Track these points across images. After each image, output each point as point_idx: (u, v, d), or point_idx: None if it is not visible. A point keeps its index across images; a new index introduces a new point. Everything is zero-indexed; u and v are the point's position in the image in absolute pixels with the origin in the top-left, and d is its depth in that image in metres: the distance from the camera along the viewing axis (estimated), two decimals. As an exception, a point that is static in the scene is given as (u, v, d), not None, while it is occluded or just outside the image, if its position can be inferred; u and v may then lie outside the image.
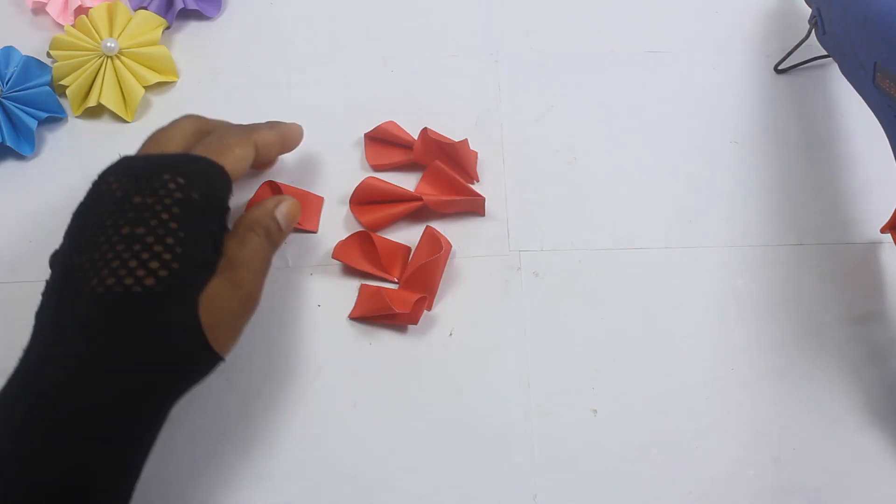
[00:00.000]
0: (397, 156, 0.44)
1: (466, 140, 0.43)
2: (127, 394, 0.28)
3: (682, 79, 0.48)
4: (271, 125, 0.38)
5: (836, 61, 0.43)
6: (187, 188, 0.30)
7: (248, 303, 0.32)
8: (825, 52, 0.46)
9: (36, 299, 0.43)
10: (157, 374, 0.29)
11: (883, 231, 0.42)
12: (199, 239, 0.30)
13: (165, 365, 0.29)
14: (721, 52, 0.49)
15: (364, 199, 0.43)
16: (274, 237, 0.35)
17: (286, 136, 0.39)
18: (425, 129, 0.43)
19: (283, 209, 0.36)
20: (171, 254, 0.29)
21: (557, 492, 0.39)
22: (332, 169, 0.45)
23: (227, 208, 0.34)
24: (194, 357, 0.30)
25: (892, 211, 0.41)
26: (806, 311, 0.42)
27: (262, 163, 0.40)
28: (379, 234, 0.43)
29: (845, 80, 0.43)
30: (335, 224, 0.44)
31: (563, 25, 0.49)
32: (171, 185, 0.30)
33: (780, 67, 0.48)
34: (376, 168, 0.45)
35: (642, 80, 0.48)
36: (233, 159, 0.34)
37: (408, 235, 0.43)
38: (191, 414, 0.39)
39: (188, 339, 0.29)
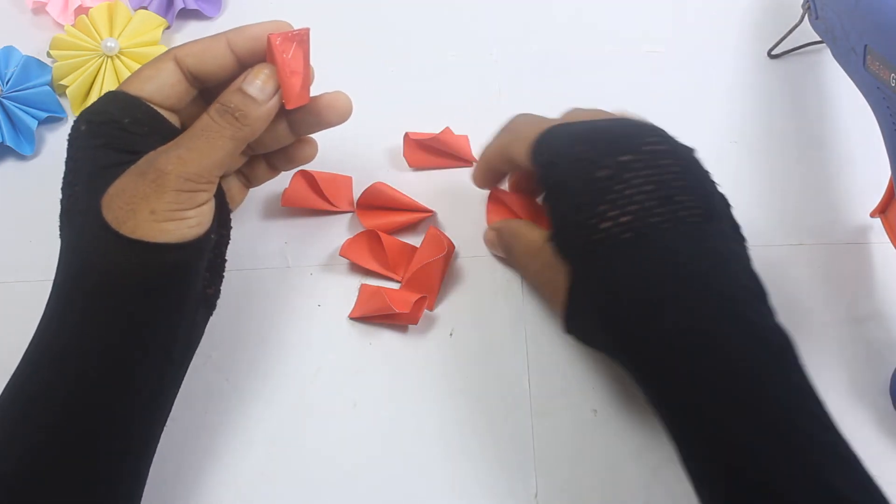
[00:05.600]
0: (436, 160, 0.45)
1: (448, 128, 0.43)
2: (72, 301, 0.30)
3: (682, 79, 0.48)
4: (215, 34, 0.33)
5: (829, 46, 0.43)
6: (77, 125, 0.32)
7: (158, 181, 0.29)
8: (819, 38, 0.46)
9: (36, 299, 0.43)
10: (79, 267, 0.31)
11: (872, 216, 0.42)
12: (85, 161, 0.31)
13: (79, 254, 0.31)
14: (720, 51, 0.49)
15: (370, 203, 0.43)
16: (234, 108, 0.31)
17: (235, 36, 0.33)
18: (406, 134, 0.43)
19: (251, 76, 0.31)
20: (67, 184, 0.32)
21: (557, 492, 0.39)
22: (332, 170, 0.45)
23: (124, 124, 0.31)
24: (97, 237, 0.30)
25: (882, 196, 0.41)
26: (806, 311, 0.42)
27: (212, 73, 0.33)
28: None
29: (839, 66, 0.43)
30: (336, 225, 0.44)
31: (563, 25, 0.49)
32: (72, 128, 0.32)
33: (773, 52, 0.48)
34: (415, 167, 0.45)
35: (642, 80, 0.48)
36: (138, 82, 0.32)
37: (411, 236, 0.43)
38: (191, 414, 0.39)
39: (87, 223, 0.30)
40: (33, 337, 0.31)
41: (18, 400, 0.30)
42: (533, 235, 0.37)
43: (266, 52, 0.32)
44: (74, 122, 0.32)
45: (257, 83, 0.31)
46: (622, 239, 0.30)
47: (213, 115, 0.31)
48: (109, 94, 0.32)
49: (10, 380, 0.31)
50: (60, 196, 0.33)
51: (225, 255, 0.36)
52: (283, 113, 0.34)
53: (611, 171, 0.31)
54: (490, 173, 0.40)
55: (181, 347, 0.33)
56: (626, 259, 0.30)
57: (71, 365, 0.30)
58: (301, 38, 0.32)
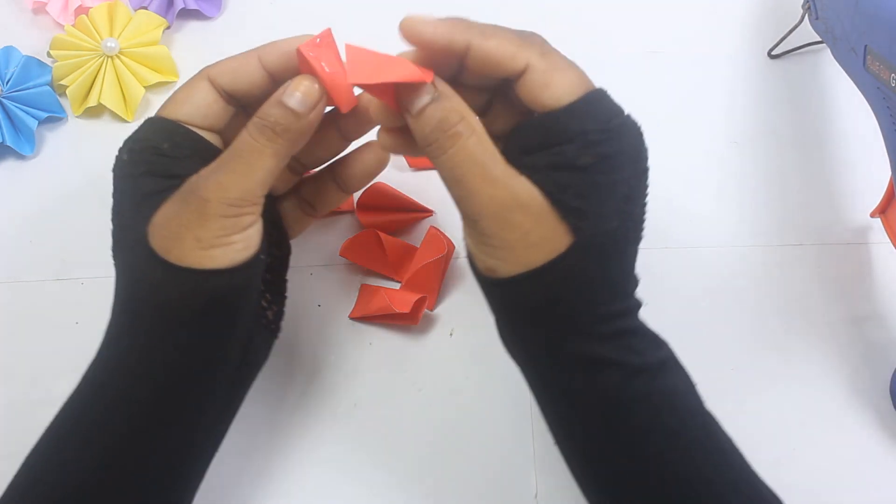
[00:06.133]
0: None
1: None
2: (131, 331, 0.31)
3: (682, 79, 0.48)
4: (246, 51, 0.32)
5: (829, 46, 0.43)
6: (119, 155, 0.32)
7: (200, 209, 0.29)
8: (819, 38, 0.46)
9: (36, 298, 0.43)
10: (132, 299, 0.31)
11: (872, 216, 0.42)
12: (129, 190, 0.31)
13: (131, 284, 0.31)
14: (720, 51, 0.49)
15: (371, 203, 0.43)
16: (274, 123, 0.29)
17: (267, 53, 0.31)
18: None
19: (290, 88, 0.30)
20: (115, 214, 0.32)
21: (557, 492, 0.39)
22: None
23: (163, 149, 0.31)
24: (146, 266, 0.29)
25: (882, 196, 0.41)
26: (806, 311, 0.42)
27: (246, 91, 0.32)
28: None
29: (839, 66, 0.43)
30: (337, 225, 0.44)
31: (563, 25, 0.49)
32: (116, 157, 0.32)
33: (773, 52, 0.48)
34: (415, 167, 0.45)
35: (642, 80, 0.48)
36: (173, 105, 0.31)
37: (411, 236, 0.43)
38: (191, 414, 0.39)
39: (137, 253, 0.30)
40: (92, 363, 0.32)
41: (71, 434, 0.31)
42: (505, 165, 0.28)
43: (300, 65, 0.31)
44: (118, 151, 0.32)
45: (297, 95, 0.30)
46: (638, 238, 0.30)
47: (252, 131, 0.30)
48: (148, 120, 0.32)
49: (67, 403, 0.32)
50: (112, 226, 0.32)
51: (286, 277, 0.36)
52: (332, 119, 0.33)
53: (646, 175, 0.30)
54: (446, 53, 0.29)
55: (232, 370, 0.32)
56: (629, 258, 0.30)
57: (126, 393, 0.30)
58: (328, 40, 0.31)
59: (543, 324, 0.29)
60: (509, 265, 0.28)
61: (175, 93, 0.32)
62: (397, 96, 0.29)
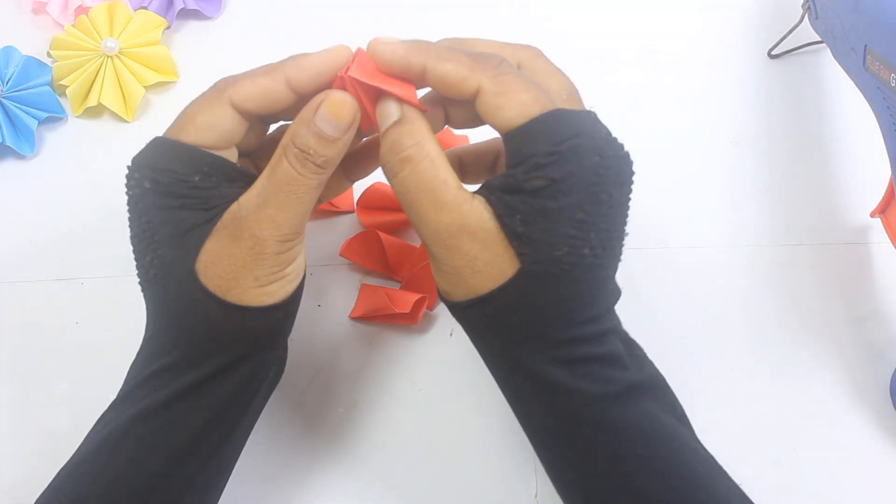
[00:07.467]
0: None
1: (448, 128, 0.43)
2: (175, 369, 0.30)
3: (682, 78, 0.48)
4: (268, 68, 0.30)
5: (829, 46, 0.43)
6: (139, 181, 0.30)
7: (255, 249, 0.28)
8: (819, 38, 0.46)
9: (36, 299, 0.43)
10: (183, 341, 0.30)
11: (872, 216, 0.42)
12: (165, 224, 0.29)
13: (183, 322, 0.30)
14: (720, 51, 0.49)
15: (370, 203, 0.43)
16: (314, 154, 0.28)
17: (297, 75, 0.29)
18: None
19: (323, 112, 0.28)
20: (145, 243, 0.30)
21: (557, 492, 0.39)
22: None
23: (195, 181, 0.29)
24: (202, 305, 0.29)
25: (882, 196, 0.41)
26: (806, 311, 0.42)
27: (273, 113, 0.30)
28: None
29: (839, 66, 0.43)
30: (337, 225, 0.44)
31: (564, 25, 0.49)
32: (133, 181, 0.30)
33: (773, 52, 0.48)
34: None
35: (642, 80, 0.48)
36: (195, 130, 0.29)
37: (411, 236, 0.43)
38: (191, 414, 0.39)
39: (186, 290, 0.29)
40: (130, 391, 0.31)
41: (115, 458, 0.30)
42: (456, 181, 0.28)
43: (335, 86, 0.30)
44: (132, 175, 0.30)
45: (332, 120, 0.29)
46: (598, 264, 0.28)
47: (294, 163, 0.28)
48: (166, 144, 0.29)
49: (102, 432, 0.31)
50: (132, 250, 0.31)
51: None
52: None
53: (612, 199, 0.28)
54: (412, 69, 0.28)
55: (270, 381, 0.33)
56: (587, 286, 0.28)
57: (179, 419, 0.30)
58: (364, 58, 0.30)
59: (498, 346, 0.30)
60: (459, 290, 0.29)
61: (193, 114, 0.29)
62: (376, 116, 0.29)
